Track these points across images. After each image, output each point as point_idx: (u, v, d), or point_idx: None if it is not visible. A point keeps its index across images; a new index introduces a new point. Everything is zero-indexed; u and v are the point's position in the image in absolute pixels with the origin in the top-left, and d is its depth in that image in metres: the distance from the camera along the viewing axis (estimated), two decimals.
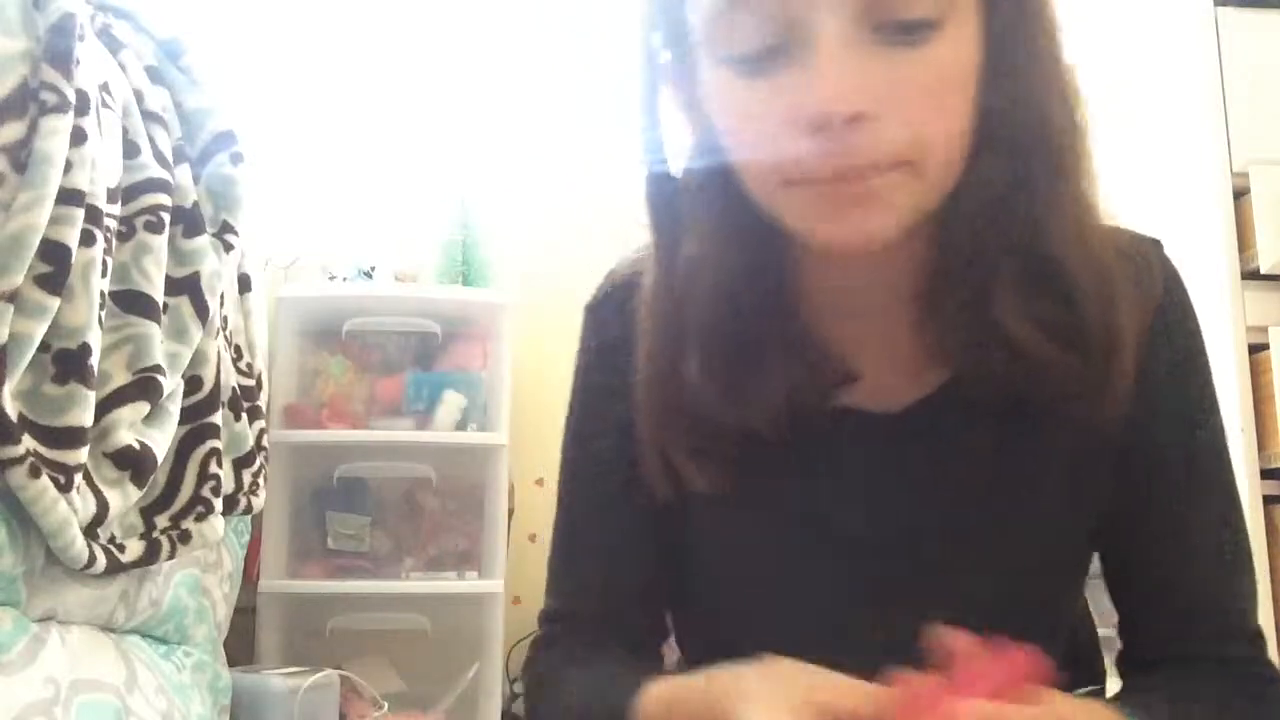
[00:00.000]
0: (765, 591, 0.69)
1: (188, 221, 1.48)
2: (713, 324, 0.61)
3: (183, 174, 1.50)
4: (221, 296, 1.56)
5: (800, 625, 0.63)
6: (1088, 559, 0.70)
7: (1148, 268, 0.64)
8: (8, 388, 1.07)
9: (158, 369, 1.33)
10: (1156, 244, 0.67)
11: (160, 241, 1.39)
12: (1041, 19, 0.58)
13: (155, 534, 1.36)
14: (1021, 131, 0.57)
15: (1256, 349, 1.70)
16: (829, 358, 0.63)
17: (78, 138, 1.17)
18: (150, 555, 1.33)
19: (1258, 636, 0.67)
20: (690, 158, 0.63)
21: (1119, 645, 0.72)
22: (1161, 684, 0.64)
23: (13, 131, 1.12)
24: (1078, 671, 0.78)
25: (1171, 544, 0.66)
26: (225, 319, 1.62)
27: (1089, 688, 0.79)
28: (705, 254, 0.61)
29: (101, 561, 1.22)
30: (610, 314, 0.72)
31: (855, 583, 0.66)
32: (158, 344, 1.35)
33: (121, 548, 1.28)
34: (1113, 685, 0.72)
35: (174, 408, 1.40)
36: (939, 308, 0.60)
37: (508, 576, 2.08)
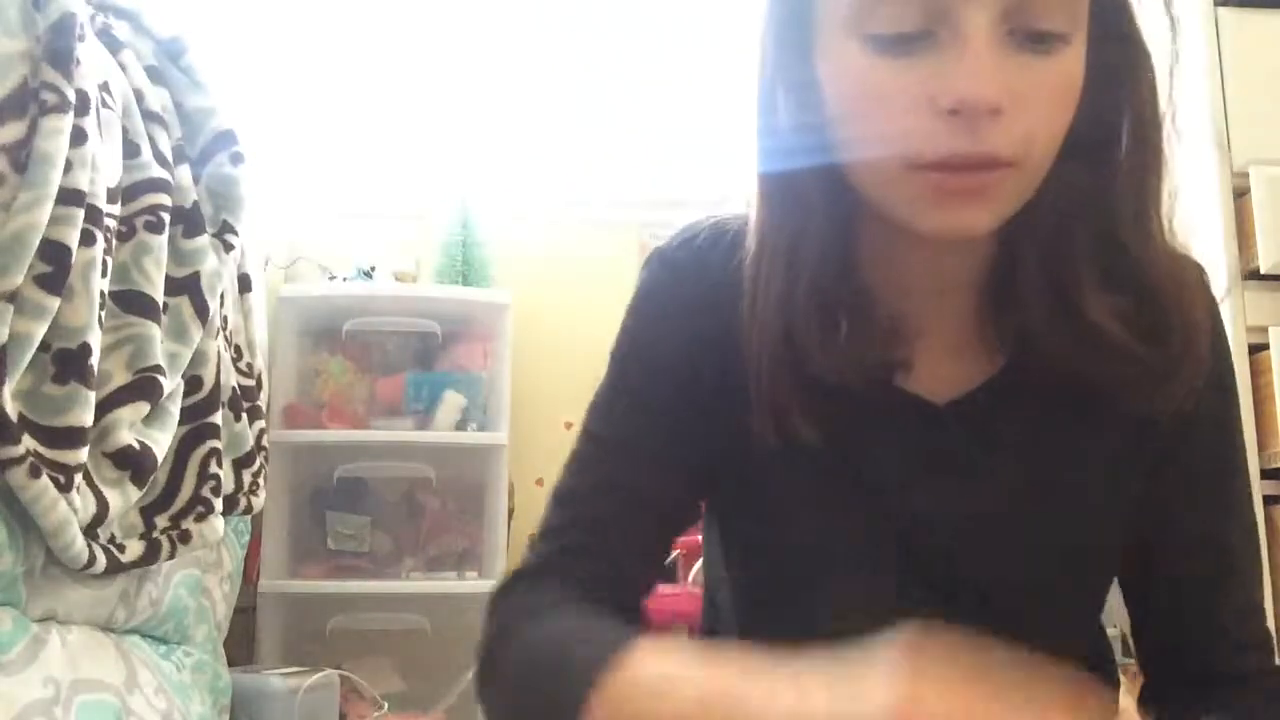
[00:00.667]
0: (811, 562, 0.70)
1: (188, 221, 1.48)
2: (816, 292, 0.64)
3: (183, 174, 1.50)
4: (221, 296, 1.56)
5: (841, 598, 0.65)
6: (1117, 560, 0.72)
7: (1202, 284, 0.70)
8: (8, 388, 1.07)
9: (158, 369, 1.33)
10: (1200, 266, 0.72)
11: (160, 241, 1.39)
12: (1136, 45, 0.63)
13: (155, 534, 1.36)
14: (1115, 142, 0.62)
15: (1256, 349, 1.69)
16: (894, 332, 0.66)
17: (78, 138, 1.17)
18: (150, 555, 1.33)
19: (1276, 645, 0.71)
20: (793, 132, 0.64)
21: (1132, 672, 0.73)
22: (1223, 705, 0.66)
23: (13, 131, 1.12)
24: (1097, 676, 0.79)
25: (1210, 553, 0.69)
26: (225, 319, 1.62)
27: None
28: (806, 223, 0.64)
29: (101, 561, 1.22)
30: (685, 256, 0.73)
31: (902, 559, 0.67)
32: (158, 344, 1.35)
33: (121, 548, 1.28)
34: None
35: (174, 408, 1.40)
36: (1015, 294, 0.64)
37: None
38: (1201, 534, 0.69)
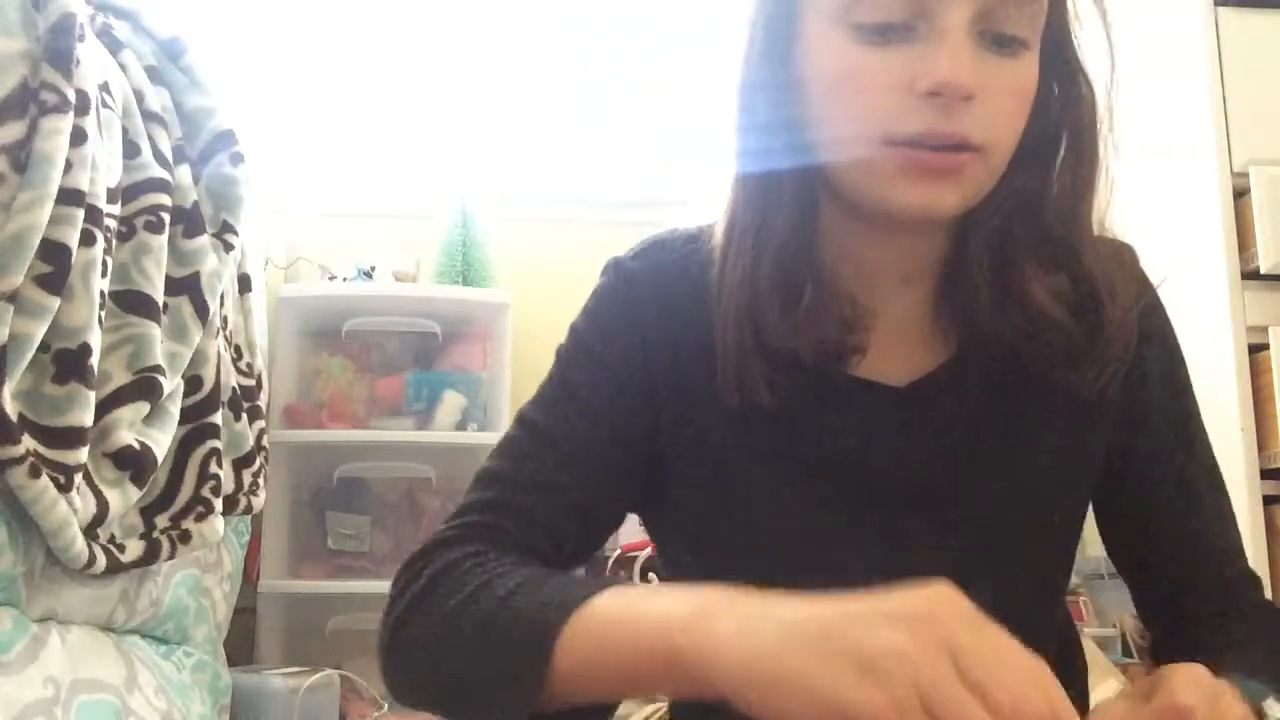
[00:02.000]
0: (770, 542, 0.72)
1: (188, 221, 1.48)
2: (779, 267, 0.69)
3: (183, 174, 1.50)
4: (221, 296, 1.56)
5: (805, 574, 0.66)
6: (1078, 527, 0.77)
7: (1133, 264, 0.77)
8: (8, 388, 1.07)
9: (158, 369, 1.33)
10: (1130, 248, 0.78)
11: (160, 241, 1.39)
12: (1075, 65, 0.71)
13: (155, 534, 1.36)
14: (1055, 150, 0.69)
15: (1256, 349, 1.69)
16: (853, 316, 0.70)
17: (78, 138, 1.17)
18: (150, 555, 1.33)
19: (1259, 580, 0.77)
20: (770, 115, 0.69)
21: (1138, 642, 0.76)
22: (1221, 638, 0.71)
23: (13, 131, 1.12)
24: (1063, 664, 0.81)
25: (1184, 501, 0.75)
26: (225, 319, 1.62)
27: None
28: (774, 213, 0.69)
29: (101, 561, 1.22)
30: (643, 266, 0.77)
31: (868, 539, 0.70)
32: (158, 344, 1.35)
33: (121, 548, 1.28)
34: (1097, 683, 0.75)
35: (174, 408, 1.40)
36: (966, 278, 0.70)
37: None
38: (1174, 483, 0.75)
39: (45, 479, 1.10)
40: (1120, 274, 0.71)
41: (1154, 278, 0.79)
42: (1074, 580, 2.16)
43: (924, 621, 0.44)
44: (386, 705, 1.87)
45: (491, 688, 0.58)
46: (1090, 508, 0.79)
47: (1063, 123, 0.70)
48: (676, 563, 0.81)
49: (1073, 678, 0.82)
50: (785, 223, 0.69)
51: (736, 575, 0.71)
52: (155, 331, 1.34)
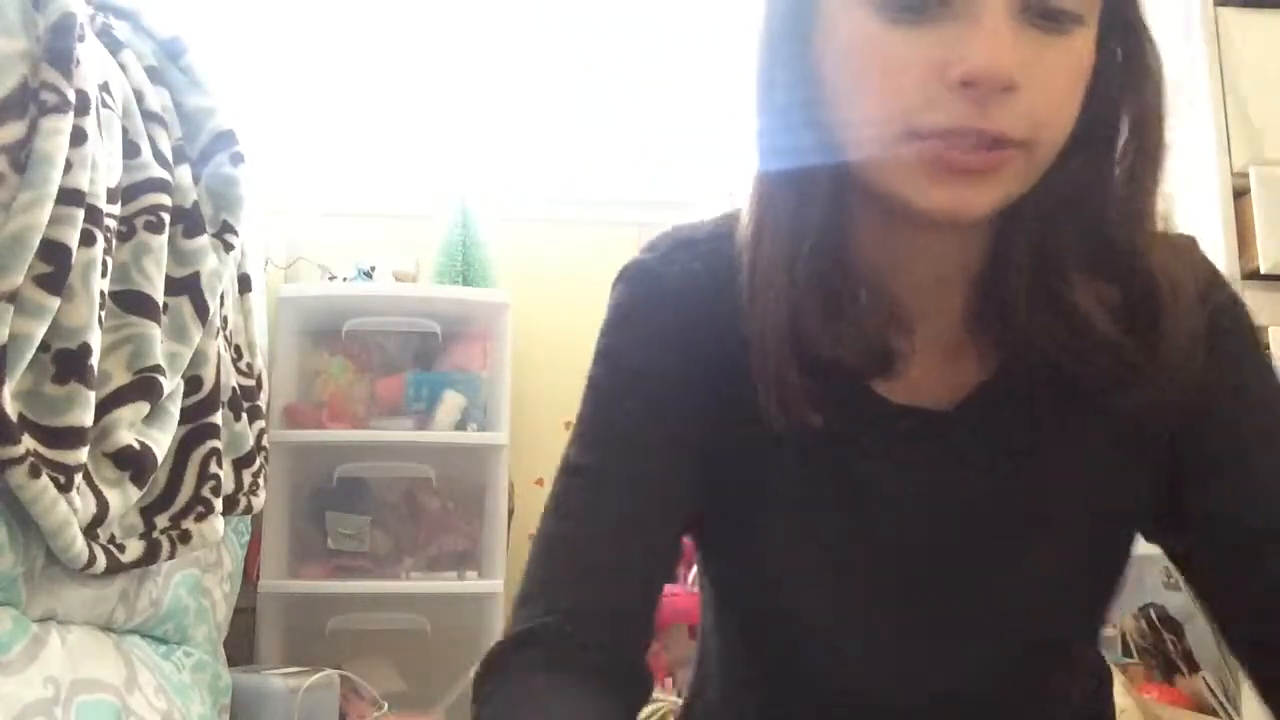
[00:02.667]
0: (818, 578, 0.67)
1: (188, 221, 1.48)
2: (815, 271, 0.62)
3: (183, 174, 1.50)
4: (221, 296, 1.56)
5: (851, 616, 0.64)
6: (1126, 557, 0.70)
7: (1197, 260, 0.67)
8: (8, 388, 1.07)
9: (158, 369, 1.33)
10: (1192, 240, 0.69)
11: (160, 241, 1.39)
12: (1144, 36, 0.61)
13: (155, 534, 1.36)
14: (1115, 135, 0.60)
15: None
16: (894, 316, 0.63)
17: (78, 138, 1.17)
18: (150, 555, 1.33)
19: None
20: (789, 107, 0.62)
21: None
22: None
23: (13, 131, 1.12)
24: (1095, 707, 0.78)
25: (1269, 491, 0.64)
26: (225, 319, 1.62)
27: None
28: (806, 215, 0.62)
29: (101, 561, 1.22)
30: (675, 264, 0.69)
31: (909, 569, 0.66)
32: (158, 344, 1.35)
33: (121, 548, 1.28)
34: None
35: (174, 408, 1.40)
36: (1005, 282, 0.62)
37: (508, 576, 2.08)
38: (1268, 488, 0.63)
39: (45, 479, 1.10)
40: (1185, 275, 0.62)
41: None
42: None
43: None
44: (386, 705, 1.87)
45: None
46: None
47: (1123, 101, 0.60)
48: (715, 581, 0.75)
49: (1103, 697, 0.77)
50: (818, 223, 0.61)
51: (764, 628, 0.68)
52: (155, 331, 1.34)
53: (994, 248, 0.63)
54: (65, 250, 1.14)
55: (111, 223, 1.30)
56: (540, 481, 2.39)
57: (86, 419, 1.17)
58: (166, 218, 1.41)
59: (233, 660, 1.71)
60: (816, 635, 0.67)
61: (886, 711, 0.67)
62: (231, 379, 1.62)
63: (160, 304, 1.37)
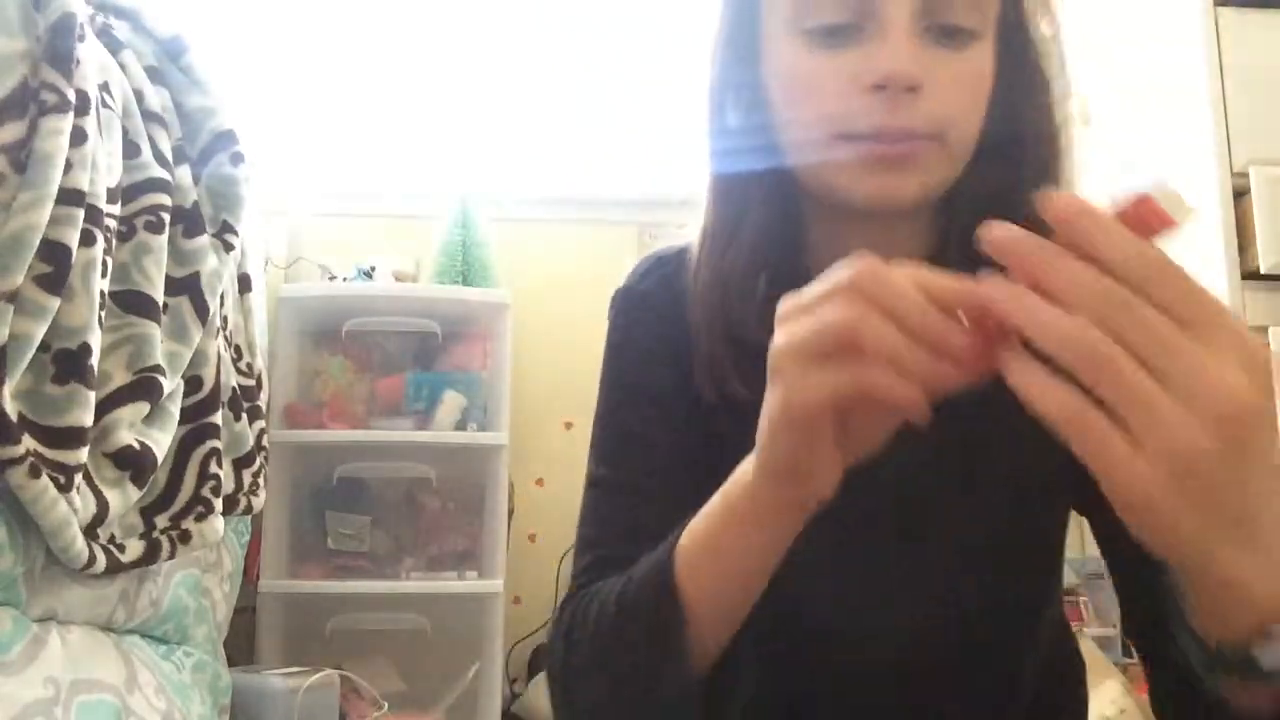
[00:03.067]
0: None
1: (188, 221, 1.48)
2: (753, 265, 0.72)
3: (183, 174, 1.50)
4: (221, 296, 1.56)
5: (813, 566, 0.67)
6: (1056, 525, 0.77)
7: None
8: (8, 388, 1.07)
9: (158, 369, 1.33)
10: None
11: (160, 241, 1.39)
12: (1042, 55, 0.71)
13: (155, 534, 1.36)
14: (1017, 140, 0.69)
15: None
16: None
17: (78, 138, 1.17)
18: (150, 555, 1.33)
19: None
20: (738, 123, 0.74)
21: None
22: None
23: (13, 131, 1.12)
24: (1062, 687, 0.81)
25: None
26: (225, 319, 1.62)
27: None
28: (745, 212, 0.74)
29: (101, 561, 1.22)
30: (651, 282, 0.80)
31: (862, 527, 0.69)
32: (158, 344, 1.35)
33: (121, 548, 1.28)
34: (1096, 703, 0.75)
35: (174, 408, 1.40)
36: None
37: (508, 576, 2.08)
38: None
39: (45, 479, 1.10)
40: None
41: None
42: (1074, 580, 2.16)
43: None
44: (386, 705, 1.87)
45: (645, 668, 0.61)
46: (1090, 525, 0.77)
47: (1023, 106, 0.70)
48: None
49: (1073, 686, 0.81)
50: (759, 219, 0.72)
51: None
52: (155, 331, 1.34)
53: (935, 240, 0.73)
54: (65, 250, 1.14)
55: (111, 223, 1.30)
56: (540, 481, 2.40)
57: (86, 419, 1.17)
58: (166, 218, 1.41)
59: (233, 660, 1.71)
60: (783, 589, 0.70)
61: (850, 651, 0.72)
62: (231, 379, 1.62)
63: (160, 304, 1.37)
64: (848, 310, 0.46)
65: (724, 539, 0.59)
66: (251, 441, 1.66)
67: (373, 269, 2.23)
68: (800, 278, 0.68)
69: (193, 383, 1.46)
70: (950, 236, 0.70)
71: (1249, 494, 0.40)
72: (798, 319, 0.48)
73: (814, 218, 0.74)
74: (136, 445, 1.28)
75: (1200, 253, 1.78)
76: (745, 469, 0.57)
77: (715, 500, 0.59)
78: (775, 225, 0.73)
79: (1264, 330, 1.68)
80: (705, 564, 0.60)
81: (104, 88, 1.33)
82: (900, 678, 0.72)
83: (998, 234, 0.43)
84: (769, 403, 0.50)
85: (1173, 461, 0.38)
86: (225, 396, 1.56)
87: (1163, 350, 0.39)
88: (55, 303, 1.13)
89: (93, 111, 1.22)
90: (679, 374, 0.75)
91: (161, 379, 1.33)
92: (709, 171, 0.77)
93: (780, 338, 0.49)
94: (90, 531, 1.20)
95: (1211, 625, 0.45)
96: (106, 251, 1.25)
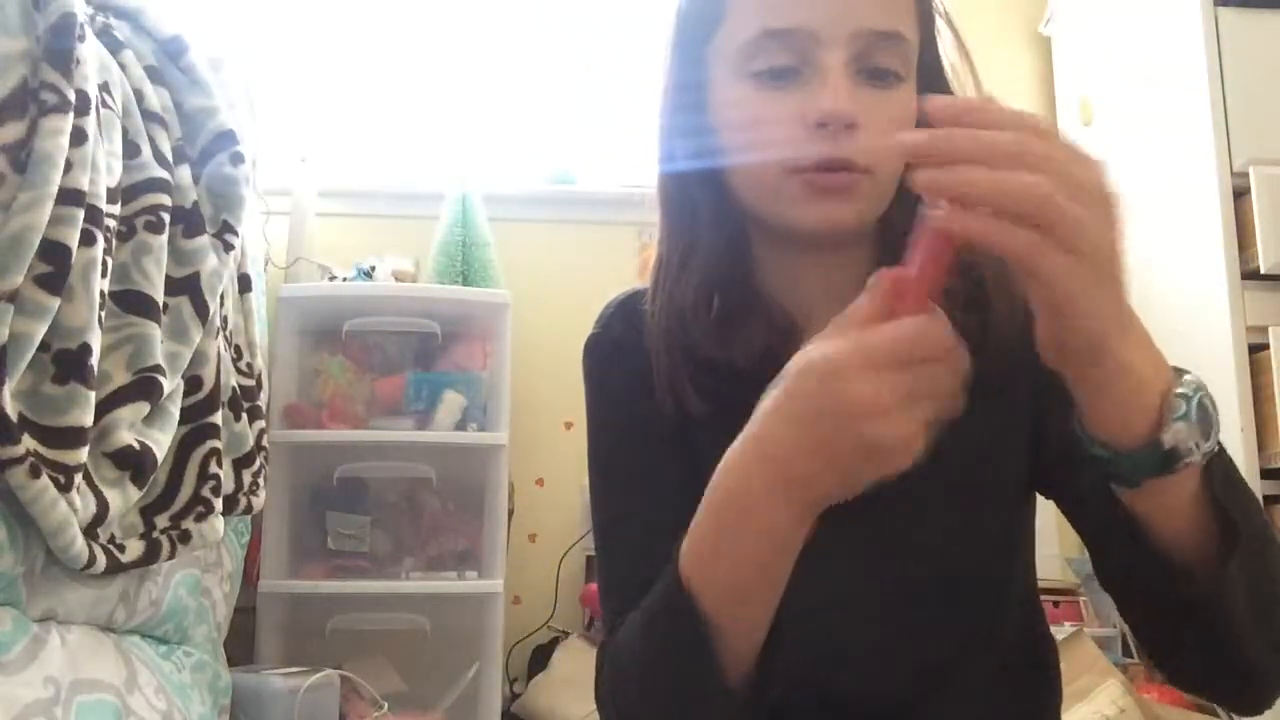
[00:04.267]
0: None
1: (188, 221, 1.48)
2: (705, 289, 0.79)
3: (183, 174, 1.50)
4: (221, 296, 1.56)
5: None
6: (1018, 514, 0.82)
7: None
8: (8, 388, 1.07)
9: (158, 369, 1.33)
10: None
11: (160, 241, 1.39)
12: (949, 92, 0.79)
13: (155, 534, 1.36)
14: None
15: (1256, 349, 1.70)
16: (786, 325, 0.79)
17: (78, 138, 1.17)
18: (150, 555, 1.33)
19: None
20: (689, 160, 0.81)
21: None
22: None
23: (13, 131, 1.12)
24: (1038, 674, 0.83)
25: None
26: (225, 319, 1.62)
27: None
28: (698, 237, 0.81)
29: (101, 561, 1.22)
30: (618, 325, 0.86)
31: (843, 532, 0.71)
32: (158, 344, 1.35)
33: (121, 548, 1.28)
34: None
35: (174, 408, 1.40)
36: None
37: (508, 576, 2.08)
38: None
39: (45, 479, 1.10)
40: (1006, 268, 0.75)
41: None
42: (1074, 580, 2.16)
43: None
44: (386, 705, 1.87)
45: (683, 684, 0.64)
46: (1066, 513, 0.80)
47: None
48: None
49: (1045, 696, 0.83)
50: (710, 248, 0.79)
51: None
52: (155, 331, 1.34)
53: (871, 263, 0.77)
54: (65, 250, 1.14)
55: (111, 223, 1.30)
56: (540, 482, 2.40)
57: (86, 419, 1.17)
58: (166, 218, 1.41)
59: (233, 660, 1.71)
60: None
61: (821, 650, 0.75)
62: (231, 379, 1.62)
63: (160, 304, 1.37)
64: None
65: (730, 533, 0.61)
66: (251, 441, 1.66)
67: (373, 269, 2.23)
68: (750, 297, 0.79)
69: (193, 383, 1.46)
70: (884, 261, 0.71)
71: (1126, 292, 0.52)
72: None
73: (760, 241, 0.81)
74: (136, 445, 1.28)
75: (1200, 253, 1.78)
76: (731, 462, 0.60)
77: (709, 501, 0.62)
78: (724, 250, 0.80)
79: (1264, 330, 1.68)
80: (716, 565, 0.62)
81: (104, 88, 1.33)
82: (868, 668, 0.76)
83: (918, 137, 0.52)
84: (839, 420, 0.55)
85: (1101, 261, 0.50)
86: (225, 396, 1.56)
87: (1073, 177, 0.49)
88: (55, 303, 1.13)
89: (93, 111, 1.22)
90: (655, 405, 0.79)
91: (161, 379, 1.33)
92: (660, 191, 0.85)
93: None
94: (90, 531, 1.20)
95: (1118, 425, 0.56)
96: (106, 251, 1.25)
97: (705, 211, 0.80)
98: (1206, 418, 0.56)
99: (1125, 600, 0.71)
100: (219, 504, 1.47)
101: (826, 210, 0.73)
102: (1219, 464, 0.59)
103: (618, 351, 0.84)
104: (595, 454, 0.84)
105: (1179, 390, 0.55)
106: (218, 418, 1.50)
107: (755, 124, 0.74)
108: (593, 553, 2.25)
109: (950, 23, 0.81)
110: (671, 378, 0.79)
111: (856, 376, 0.53)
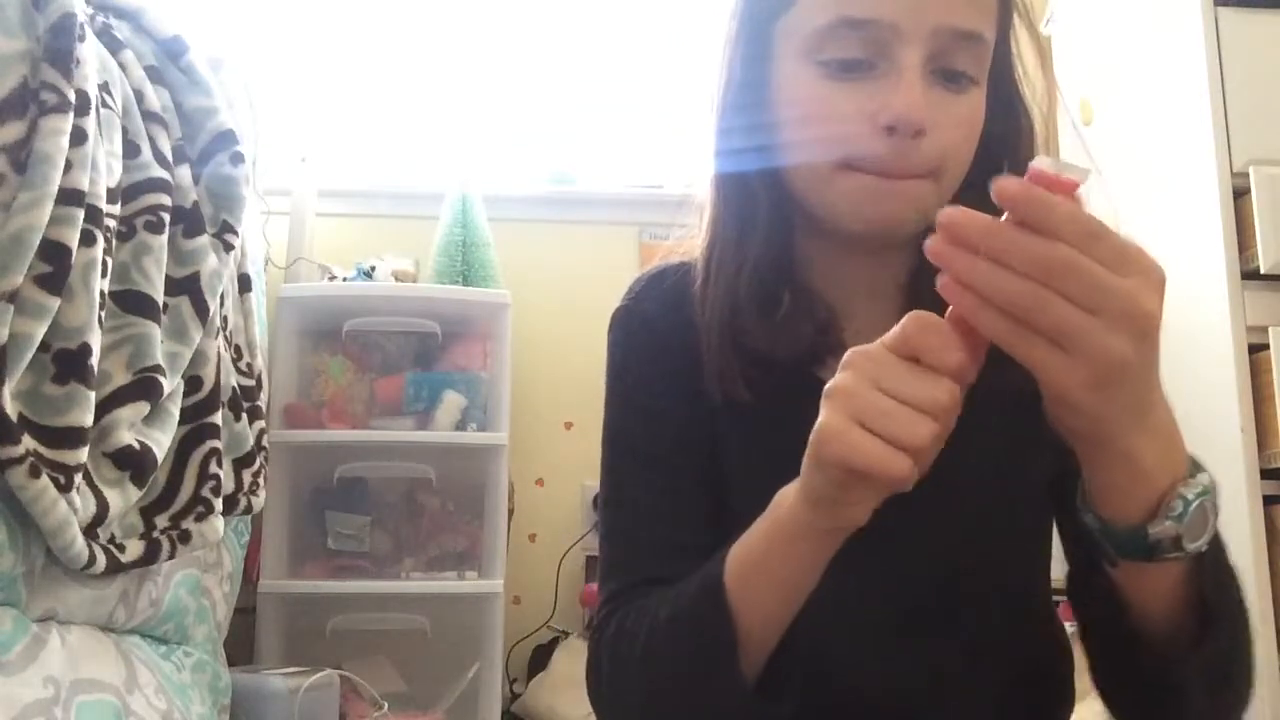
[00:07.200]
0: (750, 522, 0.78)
1: (188, 221, 1.48)
2: (756, 280, 0.77)
3: (183, 174, 1.50)
4: (221, 296, 1.56)
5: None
6: (1045, 526, 0.81)
7: None
8: (8, 388, 1.07)
9: (158, 369, 1.33)
10: None
11: (160, 241, 1.39)
12: (1021, 104, 0.77)
13: (155, 534, 1.36)
14: (997, 172, 0.73)
15: (1256, 349, 1.69)
16: (829, 320, 0.78)
17: (78, 138, 1.17)
18: (150, 555, 1.33)
19: None
20: (746, 144, 0.78)
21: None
22: None
23: (13, 131, 1.12)
24: (1050, 684, 0.83)
25: None
26: (225, 319, 1.62)
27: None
28: (754, 225, 0.78)
29: (101, 562, 1.22)
30: (651, 302, 0.83)
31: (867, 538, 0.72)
32: (158, 344, 1.35)
33: (121, 548, 1.28)
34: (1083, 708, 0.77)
35: (174, 408, 1.40)
36: (927, 294, 0.71)
37: (508, 576, 2.08)
38: None
39: (45, 479, 1.10)
40: None
41: None
42: None
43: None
44: (386, 705, 1.87)
45: (699, 679, 0.66)
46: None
47: (1003, 152, 0.75)
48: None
49: (1056, 706, 0.83)
50: (762, 239, 0.77)
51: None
52: (155, 331, 1.34)
53: (917, 262, 0.76)
54: (65, 250, 1.14)
55: (111, 223, 1.30)
56: (540, 482, 2.40)
57: (86, 419, 1.17)
58: (166, 218, 1.41)
59: (233, 660, 1.71)
60: None
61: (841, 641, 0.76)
62: (231, 379, 1.62)
63: (160, 304, 1.37)
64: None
65: (772, 555, 0.63)
66: (251, 441, 1.66)
67: (373, 269, 2.23)
68: (796, 290, 0.77)
69: (193, 383, 1.46)
70: (929, 266, 0.72)
71: (1152, 388, 0.52)
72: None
73: (806, 237, 0.79)
74: (136, 445, 1.28)
75: (1200, 253, 1.78)
76: (790, 491, 0.62)
77: (763, 520, 0.64)
78: (777, 240, 0.77)
79: (1264, 330, 1.68)
80: (755, 579, 0.64)
81: (104, 88, 1.33)
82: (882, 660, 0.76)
83: (956, 216, 0.51)
84: (813, 446, 0.57)
85: (1100, 367, 0.49)
86: (225, 396, 1.56)
87: (1096, 289, 0.48)
88: (55, 303, 1.13)
89: (93, 111, 1.22)
90: (683, 388, 0.78)
91: (161, 379, 1.33)
92: (716, 172, 0.80)
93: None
94: (90, 531, 1.20)
95: (1112, 505, 0.56)
96: (106, 251, 1.25)
97: (762, 197, 0.77)
98: (1202, 520, 0.55)
99: (1086, 630, 0.73)
100: (219, 504, 1.47)
101: (884, 213, 0.71)
102: (1210, 556, 0.58)
103: (647, 331, 0.82)
104: (612, 429, 0.82)
105: (1181, 490, 0.54)
106: (218, 418, 1.50)
107: (819, 114, 0.71)
108: (593, 553, 2.25)
109: (1030, 24, 0.77)
110: (724, 366, 0.77)
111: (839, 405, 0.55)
